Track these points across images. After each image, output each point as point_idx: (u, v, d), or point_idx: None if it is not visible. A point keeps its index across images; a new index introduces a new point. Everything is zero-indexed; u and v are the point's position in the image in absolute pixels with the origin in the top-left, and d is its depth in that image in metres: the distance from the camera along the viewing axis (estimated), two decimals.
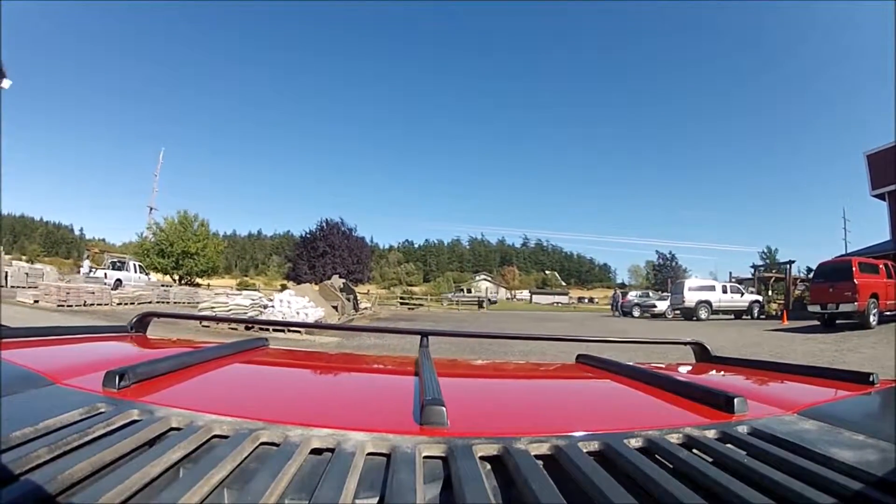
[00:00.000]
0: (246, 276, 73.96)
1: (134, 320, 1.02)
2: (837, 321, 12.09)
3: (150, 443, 0.40)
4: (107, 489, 0.31)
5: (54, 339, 0.84)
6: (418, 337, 0.98)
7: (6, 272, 20.36)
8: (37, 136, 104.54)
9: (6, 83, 6.34)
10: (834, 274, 12.25)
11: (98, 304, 14.44)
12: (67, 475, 0.33)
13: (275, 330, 8.60)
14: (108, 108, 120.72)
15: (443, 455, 0.39)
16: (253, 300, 12.02)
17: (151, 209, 35.77)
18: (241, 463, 0.37)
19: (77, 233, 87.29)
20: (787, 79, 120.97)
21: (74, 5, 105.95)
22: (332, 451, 0.39)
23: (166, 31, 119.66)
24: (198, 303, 13.99)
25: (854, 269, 11.78)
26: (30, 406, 0.44)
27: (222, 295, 13.22)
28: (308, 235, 32.32)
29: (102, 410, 0.44)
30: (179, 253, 27.91)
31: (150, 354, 0.79)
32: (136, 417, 0.43)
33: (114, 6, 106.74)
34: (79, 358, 0.69)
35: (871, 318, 11.54)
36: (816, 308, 12.54)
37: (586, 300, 66.22)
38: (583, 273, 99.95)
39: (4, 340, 0.76)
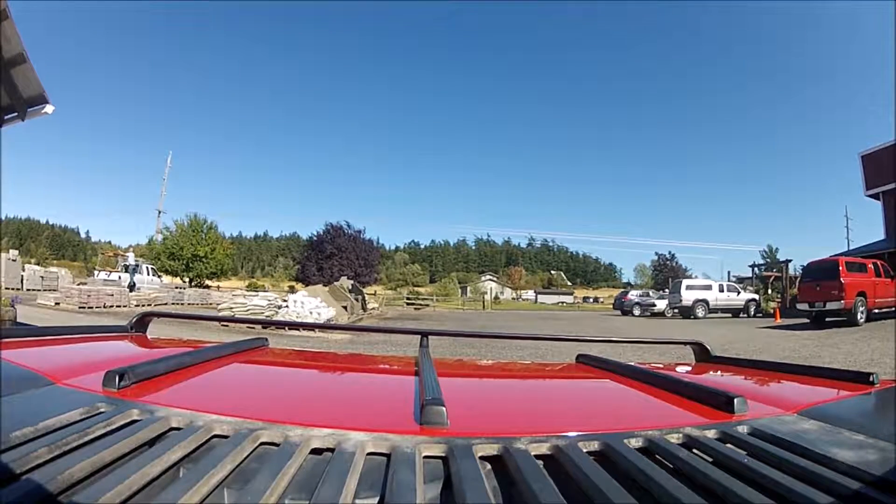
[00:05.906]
0: (253, 277, 74.61)
1: (134, 320, 1.00)
2: (827, 319, 12.40)
3: (150, 443, 0.39)
4: (107, 489, 0.31)
5: (54, 339, 0.84)
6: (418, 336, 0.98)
7: (22, 275, 21.10)
8: (42, 139, 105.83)
9: (49, 108, 6.69)
10: (821, 273, 12.60)
11: (117, 306, 15.03)
12: (67, 475, 0.32)
13: (290, 328, 9.13)
14: (114, 112, 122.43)
15: (443, 455, 0.39)
16: (269, 300, 12.78)
17: (160, 212, 36.39)
18: (241, 463, 0.37)
19: (83, 235, 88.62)
20: (789, 79, 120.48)
21: (80, 8, 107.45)
22: (332, 450, 0.39)
23: (173, 34, 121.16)
24: (210, 304, 14.58)
25: (840, 268, 12.14)
26: (30, 406, 0.44)
27: (240, 296, 13.87)
28: (315, 238, 32.76)
29: (102, 410, 0.44)
30: (189, 256, 28.55)
31: (150, 354, 0.79)
32: (136, 417, 0.43)
33: (119, 9, 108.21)
34: (79, 358, 0.68)
35: (859, 316, 11.86)
36: (805, 306, 12.96)
37: (591, 300, 66.20)
38: (588, 273, 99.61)
39: (4, 340, 0.75)
